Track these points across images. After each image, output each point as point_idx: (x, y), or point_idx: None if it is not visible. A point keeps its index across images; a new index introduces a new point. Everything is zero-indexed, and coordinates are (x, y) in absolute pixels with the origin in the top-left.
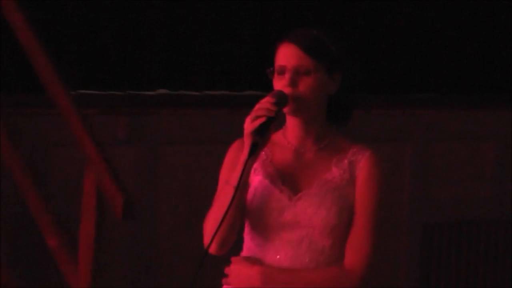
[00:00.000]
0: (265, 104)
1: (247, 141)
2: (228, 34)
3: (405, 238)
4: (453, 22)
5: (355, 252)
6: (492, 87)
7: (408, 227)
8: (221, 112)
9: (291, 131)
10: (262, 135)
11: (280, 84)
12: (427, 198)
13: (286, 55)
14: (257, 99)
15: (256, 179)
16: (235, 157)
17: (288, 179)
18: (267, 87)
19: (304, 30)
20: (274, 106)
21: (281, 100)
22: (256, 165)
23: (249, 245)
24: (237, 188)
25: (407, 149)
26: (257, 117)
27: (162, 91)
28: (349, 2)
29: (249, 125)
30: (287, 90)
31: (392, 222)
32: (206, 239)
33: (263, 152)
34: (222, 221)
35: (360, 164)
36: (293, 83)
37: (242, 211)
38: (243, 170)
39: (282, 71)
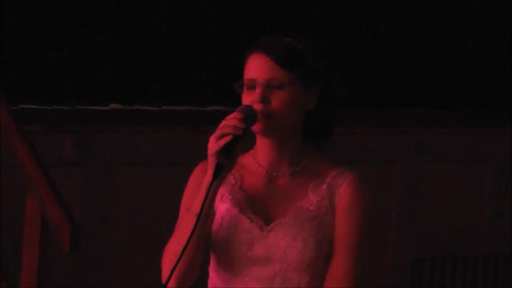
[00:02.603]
0: (231, 121)
1: (211, 163)
2: (189, 42)
3: (391, 275)
4: (447, 30)
5: None
6: (491, 102)
7: (395, 262)
8: (182, 130)
9: (262, 153)
10: (228, 155)
11: (249, 99)
12: (416, 229)
13: (256, 67)
14: (222, 116)
15: (223, 207)
16: (198, 181)
17: (259, 207)
18: (234, 102)
19: (277, 37)
20: (242, 123)
21: (250, 116)
22: (223, 191)
23: (214, 281)
24: (199, 216)
25: (394, 173)
26: (223, 136)
27: (115, 106)
28: (331, 9)
29: (214, 144)
30: (258, 107)
31: (378, 256)
32: (165, 274)
33: (231, 176)
34: (182, 253)
35: (340, 190)
36: (264, 98)
37: (206, 243)
38: (206, 195)
39: (252, 85)
